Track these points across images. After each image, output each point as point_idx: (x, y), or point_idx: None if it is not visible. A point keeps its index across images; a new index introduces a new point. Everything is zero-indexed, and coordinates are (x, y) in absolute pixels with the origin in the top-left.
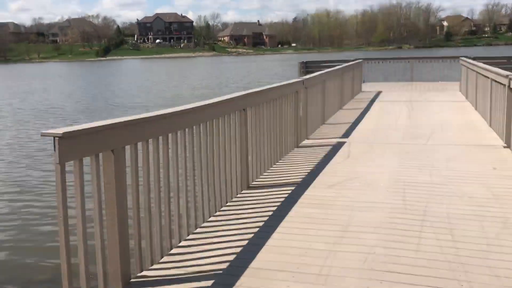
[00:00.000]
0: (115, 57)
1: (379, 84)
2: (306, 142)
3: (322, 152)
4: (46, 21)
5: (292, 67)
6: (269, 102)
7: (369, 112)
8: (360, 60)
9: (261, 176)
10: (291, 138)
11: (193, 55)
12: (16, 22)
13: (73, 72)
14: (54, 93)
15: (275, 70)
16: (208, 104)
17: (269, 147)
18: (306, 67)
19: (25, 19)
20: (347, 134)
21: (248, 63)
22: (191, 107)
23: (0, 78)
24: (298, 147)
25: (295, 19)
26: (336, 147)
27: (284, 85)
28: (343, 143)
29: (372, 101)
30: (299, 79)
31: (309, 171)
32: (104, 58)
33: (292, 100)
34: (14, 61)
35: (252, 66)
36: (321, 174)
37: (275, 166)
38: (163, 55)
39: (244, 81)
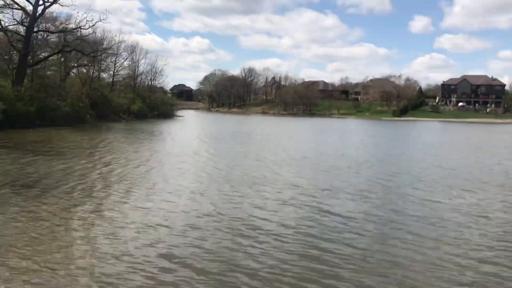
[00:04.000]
0: (411, 118)
1: None
2: None
3: None
4: (353, 80)
5: None
6: None
7: None
8: None
9: None
10: None
11: (500, 121)
12: (327, 81)
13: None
14: None
15: None
16: None
17: None
18: None
19: (336, 79)
20: None
21: None
22: None
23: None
24: None
25: None
26: None
27: None
28: None
29: None
30: None
31: None
32: (398, 118)
33: None
34: (317, 115)
35: None
36: None
37: None
38: (463, 119)
39: None
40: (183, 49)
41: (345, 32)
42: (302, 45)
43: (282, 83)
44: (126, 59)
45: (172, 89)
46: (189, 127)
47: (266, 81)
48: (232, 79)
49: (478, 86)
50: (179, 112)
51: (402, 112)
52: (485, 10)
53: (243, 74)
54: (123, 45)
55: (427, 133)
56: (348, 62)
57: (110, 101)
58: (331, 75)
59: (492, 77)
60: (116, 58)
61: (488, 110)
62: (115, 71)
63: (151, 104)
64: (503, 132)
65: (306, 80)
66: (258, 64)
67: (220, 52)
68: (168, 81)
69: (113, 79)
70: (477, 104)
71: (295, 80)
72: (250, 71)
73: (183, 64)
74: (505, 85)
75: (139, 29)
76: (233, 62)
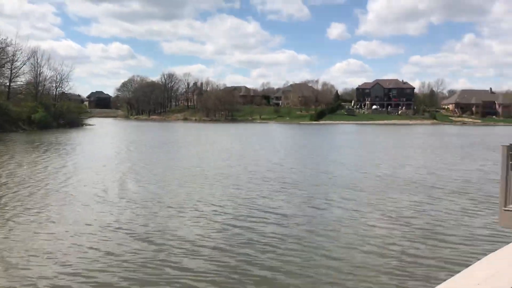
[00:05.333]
0: (329, 121)
1: None
2: None
3: None
4: (275, 86)
5: None
6: None
7: None
8: None
9: None
10: None
11: (410, 122)
12: (250, 86)
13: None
14: None
15: None
16: None
17: None
18: None
19: (260, 84)
20: None
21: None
22: None
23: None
24: None
25: None
26: None
27: None
28: None
29: None
30: None
31: None
32: (317, 122)
33: None
34: (238, 120)
35: None
36: None
37: None
38: (376, 122)
39: None
40: (102, 55)
41: (266, 39)
42: (225, 51)
43: (204, 88)
44: (24, 64)
45: (89, 96)
46: (88, 138)
47: (188, 87)
48: (152, 85)
49: (390, 89)
50: (93, 120)
51: (320, 116)
52: (395, 18)
53: (163, 80)
54: (20, 50)
55: (326, 136)
56: (270, 68)
57: (6, 110)
58: (256, 81)
59: (402, 80)
60: (12, 64)
61: (399, 112)
62: (11, 78)
63: (56, 112)
64: (406, 133)
65: (229, 85)
66: (182, 70)
67: (141, 58)
68: (78, 88)
69: (9, 86)
70: (389, 107)
71: (217, 86)
72: (170, 76)
73: (102, 70)
74: (414, 88)
75: (54, 35)
76: (155, 68)
